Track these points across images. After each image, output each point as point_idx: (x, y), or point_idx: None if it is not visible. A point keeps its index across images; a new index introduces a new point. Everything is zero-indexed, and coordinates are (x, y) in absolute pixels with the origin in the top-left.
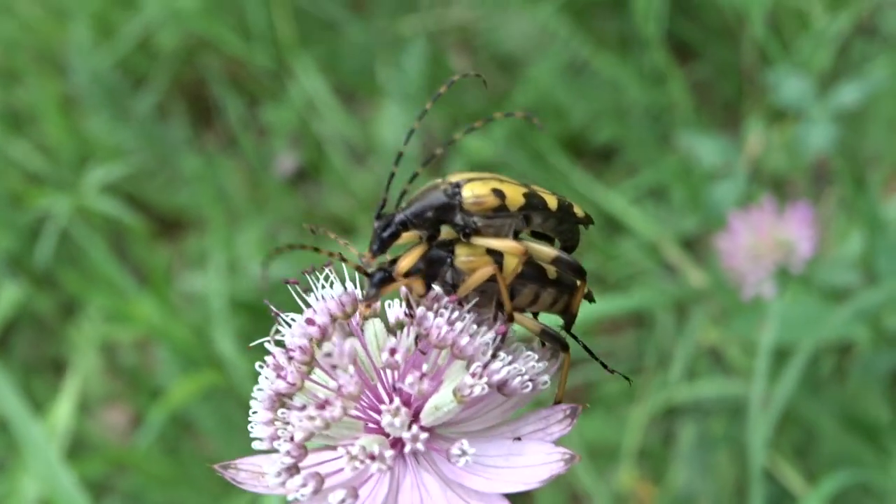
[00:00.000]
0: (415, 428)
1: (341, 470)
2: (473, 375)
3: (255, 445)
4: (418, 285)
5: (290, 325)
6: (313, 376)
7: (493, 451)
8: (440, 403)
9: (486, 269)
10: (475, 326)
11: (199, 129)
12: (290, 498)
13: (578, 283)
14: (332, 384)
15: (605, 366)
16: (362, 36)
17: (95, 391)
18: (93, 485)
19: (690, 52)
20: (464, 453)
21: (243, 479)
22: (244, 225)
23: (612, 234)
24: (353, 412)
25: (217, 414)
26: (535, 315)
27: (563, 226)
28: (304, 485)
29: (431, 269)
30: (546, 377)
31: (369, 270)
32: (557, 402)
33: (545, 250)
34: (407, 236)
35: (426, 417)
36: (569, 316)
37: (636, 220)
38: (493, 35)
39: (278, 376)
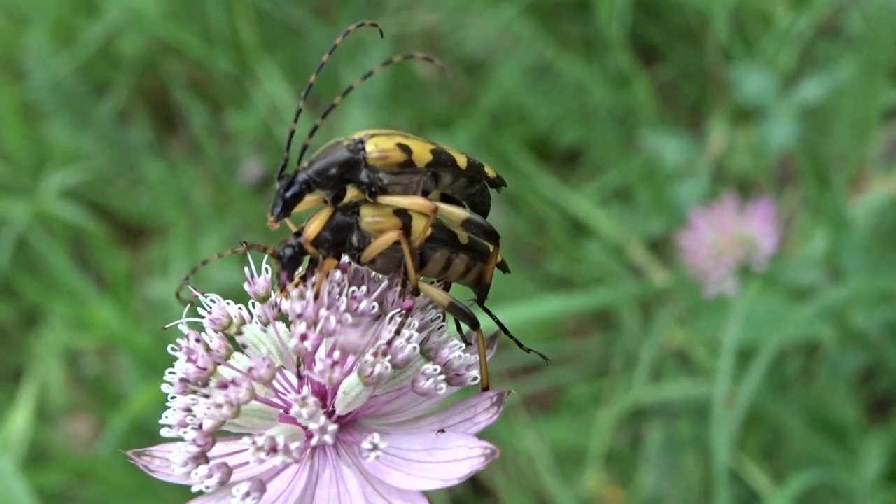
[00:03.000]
0: (322, 419)
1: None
2: (375, 354)
3: (164, 432)
4: (328, 263)
5: (209, 310)
6: (231, 361)
7: (418, 445)
8: (348, 388)
9: (390, 234)
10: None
11: (163, 135)
12: (194, 489)
13: (491, 249)
14: (245, 366)
15: (520, 345)
16: (326, 41)
17: (58, 401)
18: (55, 495)
19: (655, 54)
20: (374, 447)
21: (157, 466)
22: (207, 231)
23: (577, 237)
24: (265, 397)
25: None
26: (447, 287)
27: (475, 187)
28: (209, 475)
29: (339, 236)
30: (475, 372)
31: (278, 250)
32: (484, 389)
33: (456, 211)
34: (310, 200)
35: (339, 405)
36: (482, 288)
37: (602, 222)
38: (457, 37)
39: (189, 360)
